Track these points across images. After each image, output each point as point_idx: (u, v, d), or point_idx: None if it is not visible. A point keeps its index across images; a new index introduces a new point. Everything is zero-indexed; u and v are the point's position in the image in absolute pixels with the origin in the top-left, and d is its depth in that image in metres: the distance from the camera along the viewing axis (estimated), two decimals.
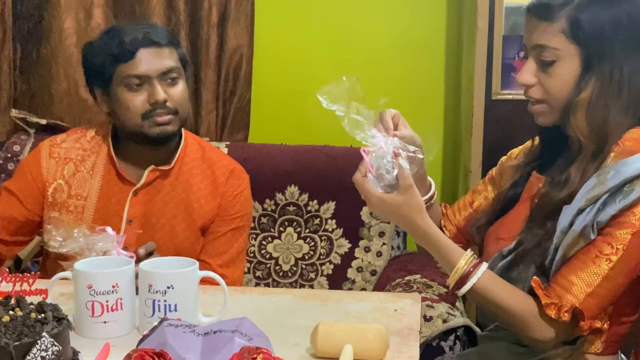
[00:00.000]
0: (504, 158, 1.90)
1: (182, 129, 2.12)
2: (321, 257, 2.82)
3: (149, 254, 1.80)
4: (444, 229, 1.89)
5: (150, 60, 1.97)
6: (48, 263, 2.11)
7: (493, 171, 1.91)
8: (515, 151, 1.87)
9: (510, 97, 2.74)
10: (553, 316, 1.51)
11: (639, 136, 1.58)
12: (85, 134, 2.12)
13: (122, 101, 1.99)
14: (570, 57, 1.57)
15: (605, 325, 1.57)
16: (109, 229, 1.72)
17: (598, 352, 1.61)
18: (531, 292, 1.57)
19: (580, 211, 1.52)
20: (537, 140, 1.78)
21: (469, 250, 1.61)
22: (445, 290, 2.42)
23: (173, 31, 2.16)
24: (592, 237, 1.51)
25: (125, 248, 1.77)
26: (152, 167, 2.06)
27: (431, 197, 1.80)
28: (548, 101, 1.61)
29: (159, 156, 2.07)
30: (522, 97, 1.68)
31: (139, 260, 1.68)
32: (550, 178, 1.64)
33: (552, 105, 1.61)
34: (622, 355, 1.67)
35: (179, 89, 2.01)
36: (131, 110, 1.98)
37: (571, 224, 1.53)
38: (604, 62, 1.55)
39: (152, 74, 1.96)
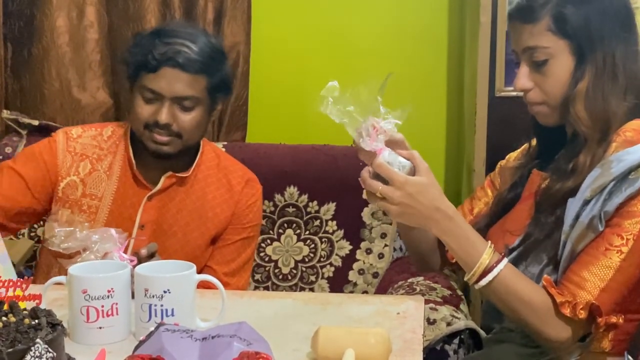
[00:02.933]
0: (502, 162, 1.91)
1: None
2: (322, 259, 2.83)
3: (151, 255, 1.79)
4: None
5: (169, 81, 1.95)
6: (42, 262, 2.11)
7: (492, 176, 1.92)
8: (513, 154, 1.89)
9: (514, 93, 2.69)
10: (568, 314, 1.50)
11: (639, 127, 1.60)
12: (101, 133, 2.11)
13: (134, 105, 2.00)
14: (562, 53, 1.61)
15: (621, 320, 1.55)
16: (112, 230, 1.72)
17: (606, 350, 1.60)
18: None
19: (586, 203, 1.54)
20: (534, 141, 1.80)
21: (489, 241, 1.59)
22: (449, 292, 2.42)
23: (217, 54, 2.03)
24: (600, 228, 1.51)
25: (135, 254, 1.77)
26: (169, 173, 2.06)
27: None
28: (547, 102, 1.65)
29: (175, 162, 2.06)
30: None
31: (140, 261, 1.68)
32: (555, 169, 1.65)
33: (552, 105, 1.64)
34: (629, 357, 1.64)
35: (190, 117, 1.98)
36: (137, 116, 1.99)
37: (577, 217, 1.54)
38: (595, 50, 1.59)
39: (166, 94, 1.96)
